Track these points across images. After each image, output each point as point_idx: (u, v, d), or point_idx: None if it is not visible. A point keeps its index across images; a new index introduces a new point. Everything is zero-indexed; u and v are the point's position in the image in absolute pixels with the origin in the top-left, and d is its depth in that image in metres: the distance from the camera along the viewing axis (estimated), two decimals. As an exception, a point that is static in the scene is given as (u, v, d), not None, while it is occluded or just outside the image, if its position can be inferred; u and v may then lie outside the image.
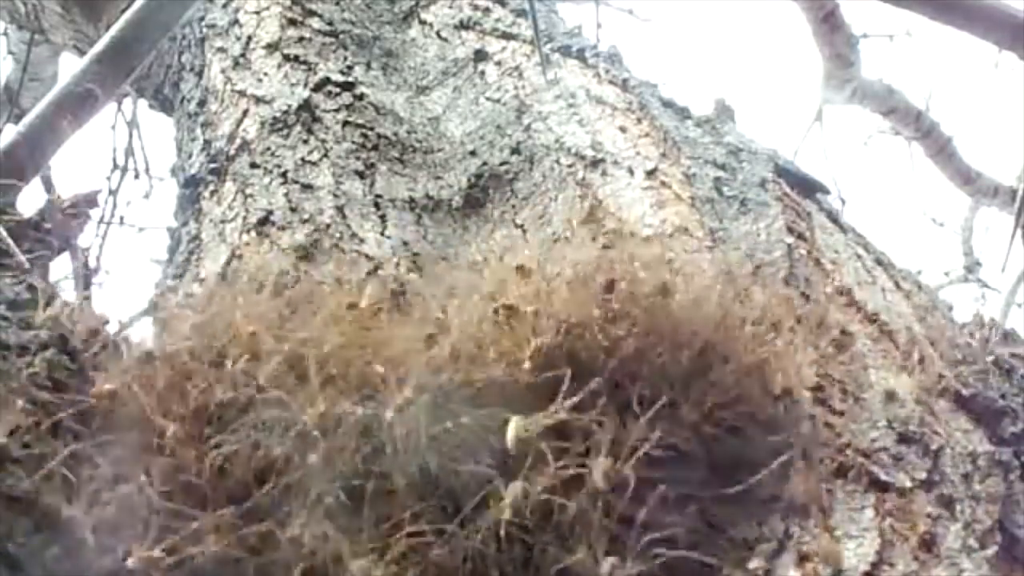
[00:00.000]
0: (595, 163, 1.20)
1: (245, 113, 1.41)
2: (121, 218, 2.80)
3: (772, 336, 0.84)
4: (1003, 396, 0.88)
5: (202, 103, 1.51)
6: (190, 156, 1.46)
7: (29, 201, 1.14)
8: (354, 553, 0.73)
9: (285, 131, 1.36)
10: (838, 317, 0.94)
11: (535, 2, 1.31)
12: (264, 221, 1.23)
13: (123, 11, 1.18)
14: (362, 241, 1.19)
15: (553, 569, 0.73)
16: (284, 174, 1.29)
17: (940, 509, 0.77)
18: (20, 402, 0.78)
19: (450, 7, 1.60)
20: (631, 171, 1.17)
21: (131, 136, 2.88)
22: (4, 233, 0.96)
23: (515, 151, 1.29)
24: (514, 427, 0.74)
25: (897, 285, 1.07)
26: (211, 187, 1.34)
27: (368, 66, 1.50)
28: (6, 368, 0.80)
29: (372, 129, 1.37)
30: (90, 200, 1.25)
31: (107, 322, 0.90)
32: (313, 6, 1.58)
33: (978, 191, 3.51)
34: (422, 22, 1.60)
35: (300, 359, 0.82)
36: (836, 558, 0.72)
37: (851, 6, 2.88)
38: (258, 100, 1.42)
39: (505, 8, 1.56)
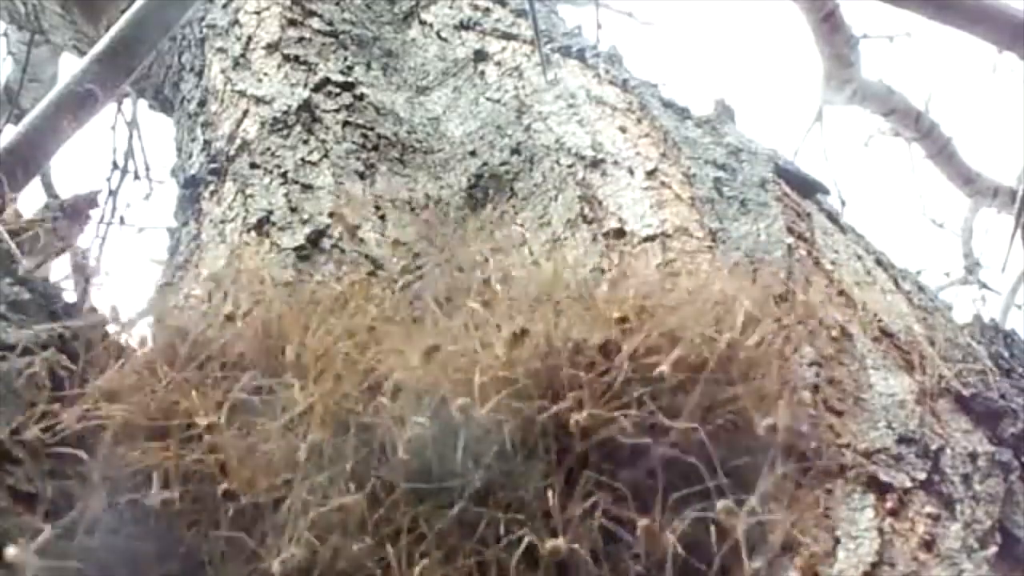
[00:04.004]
0: (595, 163, 1.20)
1: (245, 113, 1.41)
2: (121, 218, 2.80)
3: (772, 336, 0.84)
4: (1003, 396, 0.88)
5: (202, 103, 1.51)
6: (190, 156, 1.46)
7: (29, 201, 1.14)
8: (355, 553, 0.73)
9: (285, 131, 1.36)
10: (838, 317, 0.94)
11: (535, 2, 1.31)
12: (264, 221, 1.23)
13: (123, 11, 1.18)
14: (362, 241, 1.19)
15: (552, 568, 0.73)
16: (284, 174, 1.29)
17: (940, 509, 0.77)
18: (20, 402, 0.78)
19: (450, 7, 1.60)
20: (631, 171, 1.17)
21: (131, 137, 2.88)
22: (4, 233, 0.96)
23: (515, 151, 1.29)
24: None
25: (897, 285, 1.07)
26: (211, 187, 1.34)
27: (368, 66, 1.50)
28: (6, 368, 0.80)
29: (372, 129, 1.37)
30: (90, 201, 1.25)
31: (107, 322, 0.90)
32: (313, 6, 1.58)
33: (978, 192, 3.51)
34: (422, 22, 1.60)
35: (301, 361, 0.82)
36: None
37: (851, 6, 2.88)
38: (258, 100, 1.43)
39: (505, 8, 1.56)
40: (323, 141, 1.34)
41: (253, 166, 1.32)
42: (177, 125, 1.63)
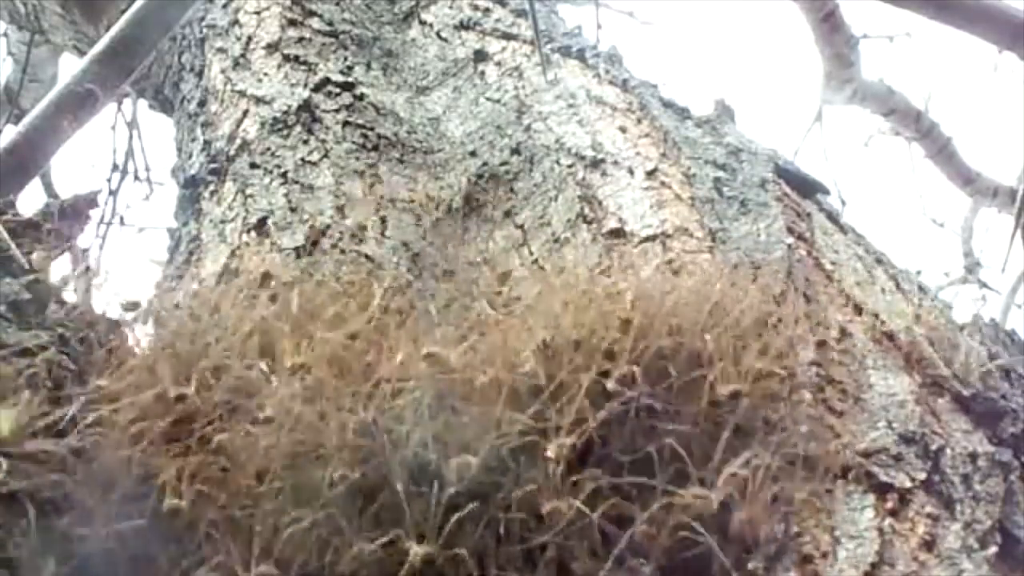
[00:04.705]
0: (595, 163, 1.20)
1: (245, 113, 1.41)
2: (121, 218, 2.80)
3: (772, 336, 0.84)
4: (1003, 396, 0.88)
5: (202, 103, 1.51)
6: (190, 156, 1.46)
7: (29, 201, 1.14)
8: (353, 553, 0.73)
9: (285, 131, 1.36)
10: (838, 317, 0.94)
11: (535, 2, 1.31)
12: (264, 221, 1.23)
13: (123, 11, 1.18)
14: (362, 241, 1.19)
15: (551, 568, 0.73)
16: (284, 174, 1.29)
17: (940, 509, 0.77)
18: (21, 402, 0.78)
19: (450, 7, 1.60)
20: (631, 171, 1.17)
21: (131, 137, 2.89)
22: (4, 233, 0.96)
23: (515, 151, 1.29)
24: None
25: (897, 285, 1.07)
26: (211, 187, 1.34)
27: (368, 66, 1.50)
28: (6, 368, 0.80)
29: (372, 129, 1.37)
30: (90, 201, 1.25)
31: (107, 322, 0.90)
32: (313, 6, 1.58)
33: (978, 191, 3.51)
34: (422, 22, 1.60)
35: (301, 360, 0.82)
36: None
37: (851, 6, 2.88)
38: (258, 100, 1.43)
39: (505, 8, 1.56)
40: (323, 141, 1.34)
41: (253, 166, 1.32)
42: (177, 125, 1.63)
